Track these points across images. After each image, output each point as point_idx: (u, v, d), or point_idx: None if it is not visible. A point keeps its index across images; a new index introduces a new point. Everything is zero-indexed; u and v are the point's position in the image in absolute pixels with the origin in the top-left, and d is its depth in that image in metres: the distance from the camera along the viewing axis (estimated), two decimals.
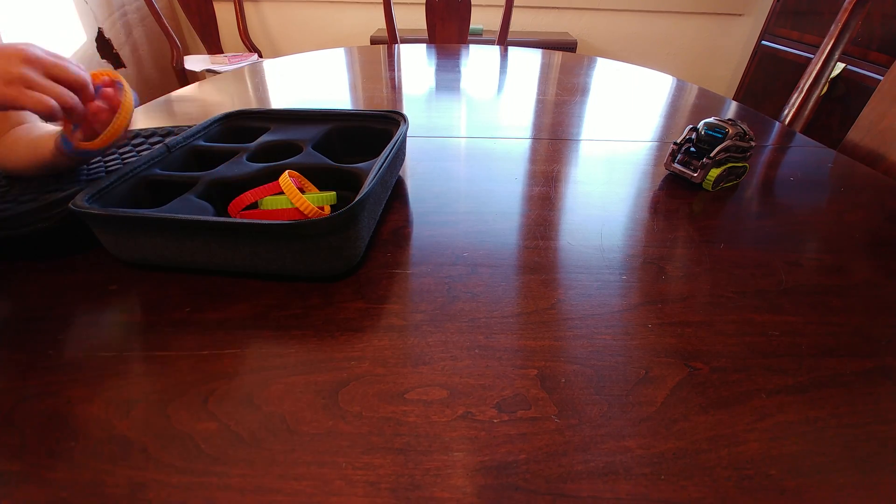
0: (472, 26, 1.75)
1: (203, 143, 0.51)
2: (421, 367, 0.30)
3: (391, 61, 1.21)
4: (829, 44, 0.82)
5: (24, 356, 0.30)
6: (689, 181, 0.55)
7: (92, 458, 0.24)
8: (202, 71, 1.98)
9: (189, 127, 0.61)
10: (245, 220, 0.34)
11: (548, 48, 1.46)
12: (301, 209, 0.38)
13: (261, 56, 2.25)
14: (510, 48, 1.41)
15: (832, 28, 0.81)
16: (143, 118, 0.75)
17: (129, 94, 0.42)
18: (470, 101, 0.89)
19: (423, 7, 1.64)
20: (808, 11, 1.81)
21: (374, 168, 0.41)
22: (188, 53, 2.15)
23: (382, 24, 1.73)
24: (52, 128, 0.44)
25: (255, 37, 2.39)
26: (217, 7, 2.19)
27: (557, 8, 2.41)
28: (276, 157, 0.48)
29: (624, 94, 0.95)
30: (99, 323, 0.34)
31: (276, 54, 2.40)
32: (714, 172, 0.53)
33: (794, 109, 0.86)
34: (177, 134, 0.51)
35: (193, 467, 0.24)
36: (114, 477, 0.23)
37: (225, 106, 0.83)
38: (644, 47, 2.54)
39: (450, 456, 0.25)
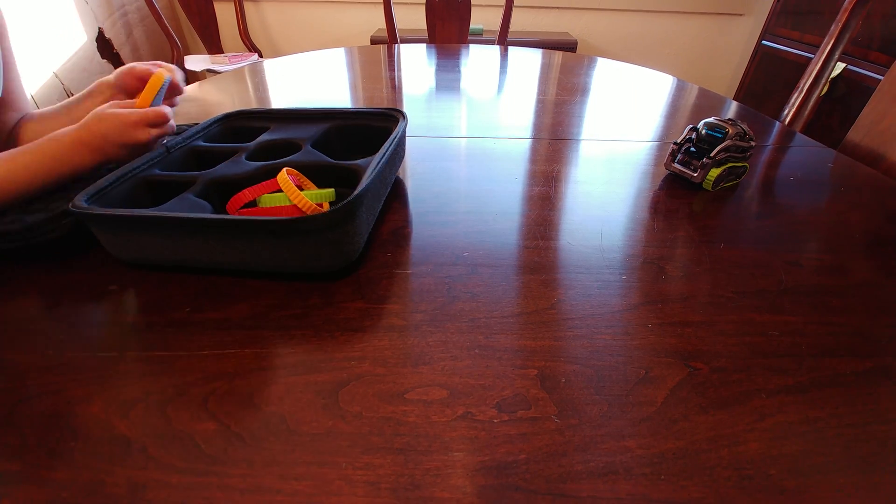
0: (472, 26, 1.75)
1: (202, 143, 0.51)
2: (421, 367, 0.30)
3: (391, 61, 1.21)
4: (829, 44, 0.82)
5: (24, 356, 0.30)
6: (689, 181, 0.55)
7: (92, 458, 0.24)
8: (202, 71, 1.98)
9: (192, 125, 0.61)
10: (242, 217, 0.34)
11: (548, 48, 1.46)
12: (299, 206, 0.38)
13: (261, 56, 2.25)
14: (510, 48, 1.41)
15: (832, 28, 0.81)
16: None
17: (161, 71, 0.47)
18: (470, 101, 0.89)
19: (423, 7, 1.64)
20: (808, 11, 1.81)
21: (372, 164, 0.41)
22: (188, 53, 2.15)
23: (382, 24, 1.73)
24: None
25: (256, 37, 2.39)
26: (217, 7, 2.19)
27: (557, 8, 2.41)
28: (276, 155, 0.48)
29: (624, 94, 0.95)
30: (99, 323, 0.34)
31: (276, 54, 2.40)
32: (714, 172, 0.53)
33: (794, 109, 0.86)
34: (178, 133, 0.52)
35: (193, 467, 0.24)
36: (114, 477, 0.23)
37: (225, 106, 0.83)
38: (644, 47, 2.54)
39: (450, 456, 0.25)
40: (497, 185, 0.55)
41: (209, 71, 1.95)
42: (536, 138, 0.70)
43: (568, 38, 2.30)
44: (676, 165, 0.55)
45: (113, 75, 0.52)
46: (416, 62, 1.21)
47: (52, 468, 0.24)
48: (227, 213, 0.41)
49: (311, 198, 0.39)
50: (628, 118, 0.81)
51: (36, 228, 0.38)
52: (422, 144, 0.67)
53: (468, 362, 0.30)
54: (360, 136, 0.56)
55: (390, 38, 1.57)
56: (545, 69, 1.17)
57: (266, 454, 0.25)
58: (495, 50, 1.39)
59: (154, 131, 0.45)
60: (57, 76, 1.62)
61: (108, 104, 0.44)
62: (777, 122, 0.81)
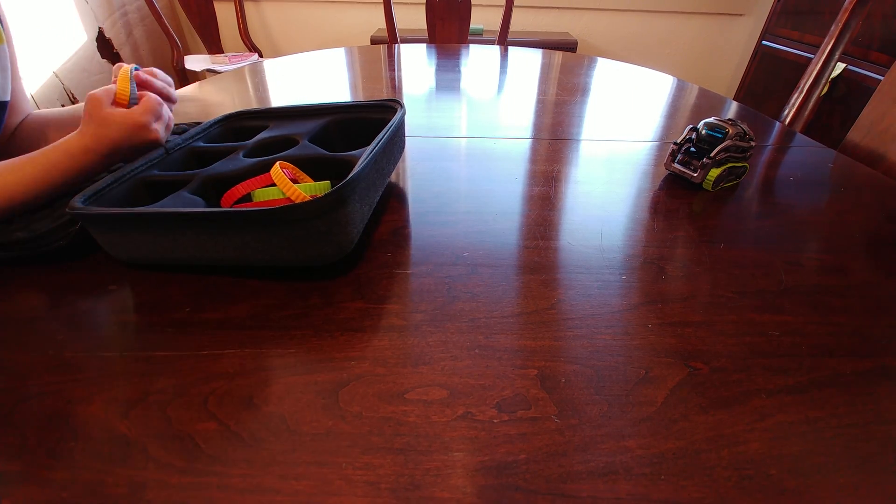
0: (472, 26, 1.75)
1: (202, 144, 0.51)
2: (421, 367, 0.30)
3: (391, 61, 1.21)
4: (829, 44, 0.82)
5: (24, 356, 0.30)
6: (690, 181, 0.55)
7: (92, 458, 0.24)
8: (202, 71, 1.98)
9: (192, 125, 0.61)
10: (230, 209, 0.33)
11: (548, 48, 1.46)
12: (292, 198, 0.38)
13: (261, 56, 2.25)
14: (510, 48, 1.41)
15: (832, 28, 0.81)
16: None
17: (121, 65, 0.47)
18: (470, 101, 0.89)
19: (423, 7, 1.64)
20: (808, 11, 1.81)
21: (366, 152, 0.41)
22: (188, 53, 2.15)
23: (382, 24, 1.73)
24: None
25: (256, 36, 2.39)
26: (217, 7, 2.19)
27: (558, 8, 2.41)
28: (273, 152, 0.47)
29: (624, 94, 0.95)
30: (99, 323, 0.34)
31: (276, 54, 2.40)
32: (714, 172, 0.53)
33: (794, 109, 0.86)
34: (180, 133, 0.52)
35: (193, 467, 0.24)
36: (114, 477, 0.23)
37: (225, 105, 0.83)
38: (644, 47, 2.54)
39: (450, 456, 0.25)
40: (497, 185, 0.55)
41: (209, 71, 1.95)
42: (536, 138, 0.70)
43: (568, 38, 2.30)
44: (676, 166, 0.55)
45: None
46: (416, 62, 1.21)
47: (52, 468, 0.24)
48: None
49: (306, 190, 0.39)
50: (628, 118, 0.81)
51: (44, 238, 0.38)
52: (422, 144, 0.67)
53: (468, 362, 0.30)
54: (359, 130, 0.55)
55: (390, 38, 1.57)
56: (545, 69, 1.17)
57: (266, 454, 0.25)
58: (495, 50, 1.39)
59: (159, 125, 0.45)
60: (57, 76, 1.62)
61: (95, 100, 0.43)
62: (777, 123, 0.81)
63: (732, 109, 0.87)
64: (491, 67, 1.18)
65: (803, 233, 0.47)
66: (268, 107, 0.61)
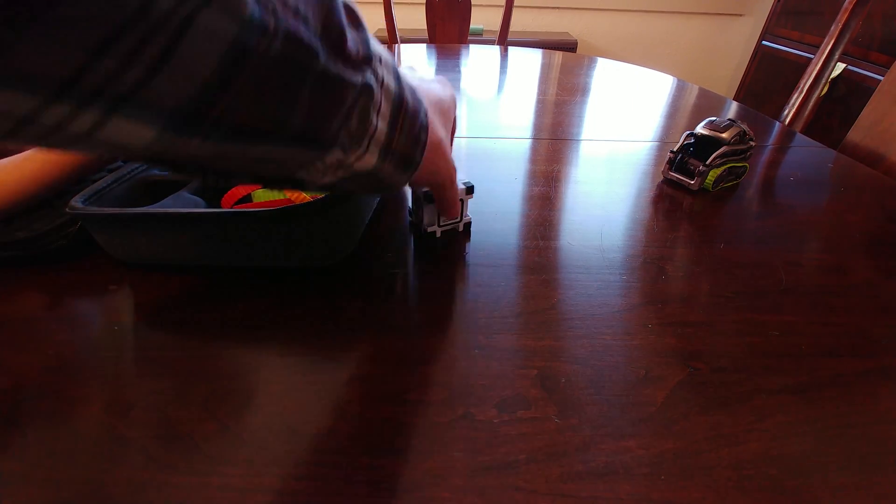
0: (472, 26, 1.75)
1: None
2: (421, 367, 0.30)
3: None
4: (829, 44, 0.82)
5: (24, 356, 0.30)
6: None
7: (92, 458, 0.24)
8: None
9: None
10: (231, 210, 0.34)
11: (548, 48, 1.46)
12: (293, 199, 0.38)
13: None
14: (510, 48, 1.41)
15: (832, 28, 0.81)
16: None
17: None
18: (470, 101, 0.89)
19: (423, 7, 1.64)
20: (808, 11, 1.81)
21: None
22: None
23: (382, 24, 1.73)
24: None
25: None
26: None
27: (558, 8, 2.41)
28: None
29: (624, 94, 0.95)
30: (99, 323, 0.34)
31: None
32: (714, 173, 0.53)
33: (794, 109, 0.86)
34: None
35: (193, 467, 0.24)
36: (114, 477, 0.23)
37: None
38: (644, 47, 2.54)
39: (450, 456, 0.25)
40: (497, 185, 0.55)
41: None
42: (536, 138, 0.70)
43: (568, 38, 2.30)
44: (673, 174, 0.55)
45: None
46: (416, 62, 1.21)
47: (52, 468, 0.24)
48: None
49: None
50: (628, 118, 0.81)
51: (44, 238, 0.38)
52: None
53: (468, 362, 0.30)
54: None
55: (390, 38, 1.57)
56: (545, 69, 1.17)
57: (266, 454, 0.25)
58: (495, 50, 1.39)
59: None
60: None
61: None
62: (777, 123, 0.81)
63: (732, 109, 0.87)
64: (491, 67, 1.19)
65: (803, 233, 0.47)
66: None
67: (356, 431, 0.26)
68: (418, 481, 0.23)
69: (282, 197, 0.39)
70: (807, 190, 0.56)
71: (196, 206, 0.39)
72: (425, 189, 0.40)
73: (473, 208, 0.49)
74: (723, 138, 0.52)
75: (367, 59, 0.21)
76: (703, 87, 1.00)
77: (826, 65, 0.83)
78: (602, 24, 2.45)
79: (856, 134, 0.76)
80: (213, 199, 0.42)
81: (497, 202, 0.51)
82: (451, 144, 0.40)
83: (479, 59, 1.26)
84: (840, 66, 1.57)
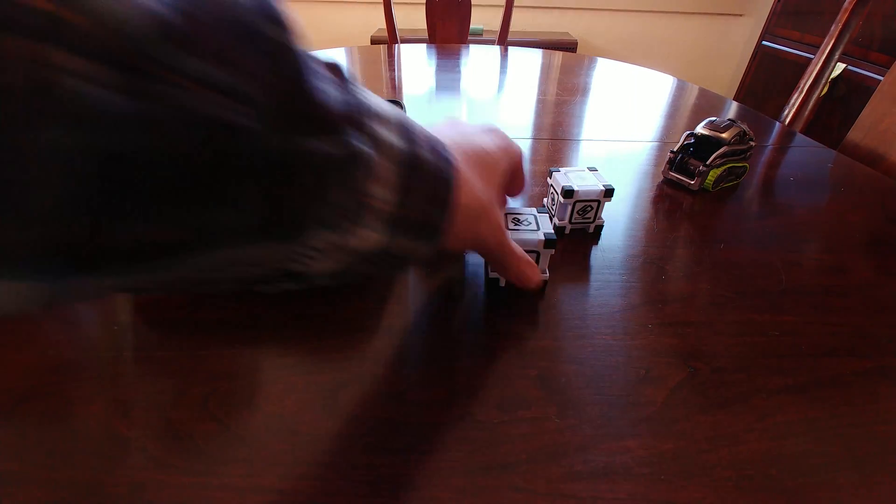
0: (472, 26, 1.75)
1: None
2: (421, 367, 0.30)
3: (391, 61, 1.21)
4: (829, 44, 0.82)
5: (24, 356, 0.30)
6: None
7: (92, 458, 0.24)
8: None
9: None
10: None
11: (548, 48, 1.46)
12: None
13: None
14: (510, 48, 1.41)
15: (832, 28, 0.81)
16: None
17: None
18: (470, 101, 0.89)
19: (423, 7, 1.64)
20: (808, 12, 1.81)
21: None
22: None
23: (382, 24, 1.73)
24: None
25: None
26: None
27: (558, 8, 2.41)
28: None
29: (624, 94, 0.95)
30: (99, 323, 0.34)
31: None
32: (714, 173, 0.53)
33: (794, 109, 0.86)
34: None
35: (193, 467, 0.24)
36: (114, 477, 0.23)
37: None
38: (644, 47, 2.54)
39: (450, 456, 0.25)
40: None
41: None
42: (536, 138, 0.70)
43: (568, 38, 2.30)
44: (674, 174, 0.55)
45: None
46: (416, 62, 1.21)
47: (52, 468, 0.24)
48: None
49: None
50: (628, 118, 0.81)
51: None
52: None
53: (468, 362, 0.30)
54: None
55: (390, 38, 1.57)
56: (545, 69, 1.17)
57: (266, 454, 0.25)
58: (495, 50, 1.39)
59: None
60: None
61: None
62: (777, 123, 0.81)
63: (732, 109, 0.87)
64: (491, 67, 1.19)
65: (803, 233, 0.47)
66: None
67: (356, 431, 0.26)
68: (418, 481, 0.23)
69: None
70: (807, 190, 0.56)
71: None
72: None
73: None
74: (723, 138, 0.52)
75: (352, 120, 0.17)
76: (703, 87, 1.00)
77: (826, 65, 0.83)
78: (602, 24, 2.45)
79: (856, 134, 0.76)
80: None
81: None
82: (505, 203, 0.36)
83: (479, 60, 1.26)
84: (840, 66, 1.57)
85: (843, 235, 0.47)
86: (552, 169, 0.45)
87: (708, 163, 0.52)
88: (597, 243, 0.44)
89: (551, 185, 0.45)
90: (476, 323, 0.34)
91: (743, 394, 0.29)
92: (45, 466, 0.24)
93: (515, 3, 1.85)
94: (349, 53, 1.28)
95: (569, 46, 2.25)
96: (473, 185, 0.26)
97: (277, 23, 0.14)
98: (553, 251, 0.35)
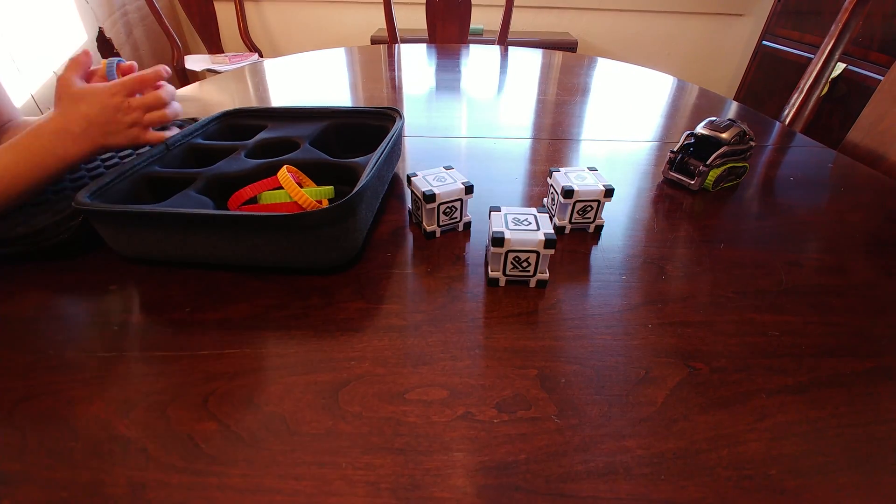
0: (472, 26, 1.75)
1: (201, 140, 0.51)
2: (421, 367, 0.30)
3: (391, 61, 1.21)
4: (829, 44, 0.82)
5: (24, 356, 0.30)
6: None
7: (92, 458, 0.24)
8: (203, 70, 1.98)
9: (189, 121, 0.61)
10: (246, 213, 0.34)
11: (548, 48, 1.46)
12: (300, 203, 0.39)
13: (261, 56, 2.24)
14: (510, 48, 1.41)
15: (833, 28, 0.81)
16: None
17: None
18: (470, 101, 0.89)
19: (423, 7, 1.63)
20: (808, 11, 1.81)
21: (371, 162, 0.42)
22: (189, 53, 2.15)
23: (383, 24, 1.73)
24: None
25: (256, 36, 2.39)
26: (217, 7, 2.18)
27: (558, 8, 2.41)
28: (274, 153, 0.48)
29: (624, 94, 0.95)
30: (99, 323, 0.34)
31: (276, 54, 2.39)
32: (714, 173, 0.53)
33: (794, 109, 0.86)
34: (180, 128, 0.52)
35: (193, 467, 0.24)
36: (114, 477, 0.23)
37: (226, 105, 0.83)
38: (644, 47, 2.54)
39: (450, 456, 0.25)
40: (497, 185, 0.55)
41: (209, 71, 1.94)
42: (536, 138, 0.70)
43: (568, 38, 2.30)
44: (674, 174, 0.55)
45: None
46: (416, 62, 1.21)
47: (52, 468, 0.24)
48: (229, 210, 0.42)
49: (311, 195, 0.40)
50: (628, 118, 0.81)
51: (44, 232, 0.38)
52: (422, 144, 0.67)
53: (468, 362, 0.30)
54: (357, 135, 0.56)
55: (390, 38, 1.57)
56: (545, 69, 1.17)
57: (266, 454, 0.25)
58: (495, 50, 1.39)
59: (150, 116, 0.44)
60: (57, 76, 1.62)
61: (63, 80, 0.41)
62: (777, 123, 0.81)
63: (732, 109, 0.87)
64: (491, 67, 1.18)
65: (803, 233, 0.47)
66: (266, 106, 0.61)
67: (356, 431, 0.26)
68: (418, 481, 0.23)
69: (289, 200, 0.39)
70: (807, 190, 0.56)
71: (204, 206, 0.40)
72: (424, 190, 0.40)
73: (473, 208, 0.49)
74: (723, 138, 0.52)
75: None
76: (703, 88, 1.00)
77: (826, 65, 0.83)
78: (602, 24, 2.45)
79: (856, 134, 0.76)
80: (217, 198, 0.42)
81: (497, 202, 0.51)
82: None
83: (479, 59, 1.26)
84: (840, 66, 1.57)
85: (843, 235, 0.46)
86: (552, 169, 0.45)
87: (708, 163, 0.52)
88: (597, 243, 0.44)
89: (551, 185, 0.45)
90: (476, 323, 0.34)
91: (743, 394, 0.29)
92: (45, 466, 0.24)
93: (515, 3, 1.85)
94: (349, 53, 1.28)
95: (569, 46, 2.25)
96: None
97: None
98: (553, 251, 0.35)
